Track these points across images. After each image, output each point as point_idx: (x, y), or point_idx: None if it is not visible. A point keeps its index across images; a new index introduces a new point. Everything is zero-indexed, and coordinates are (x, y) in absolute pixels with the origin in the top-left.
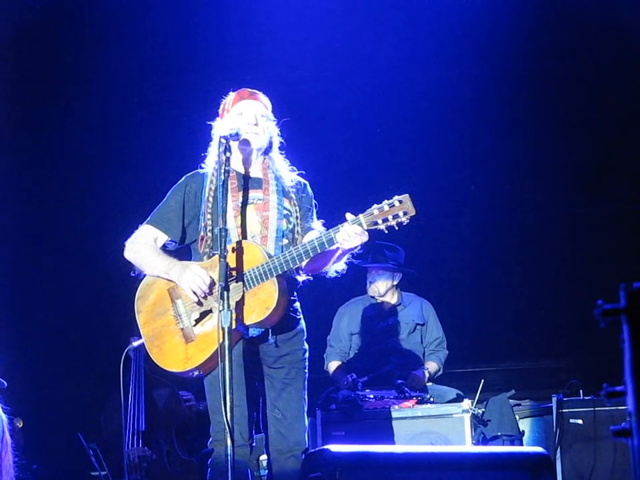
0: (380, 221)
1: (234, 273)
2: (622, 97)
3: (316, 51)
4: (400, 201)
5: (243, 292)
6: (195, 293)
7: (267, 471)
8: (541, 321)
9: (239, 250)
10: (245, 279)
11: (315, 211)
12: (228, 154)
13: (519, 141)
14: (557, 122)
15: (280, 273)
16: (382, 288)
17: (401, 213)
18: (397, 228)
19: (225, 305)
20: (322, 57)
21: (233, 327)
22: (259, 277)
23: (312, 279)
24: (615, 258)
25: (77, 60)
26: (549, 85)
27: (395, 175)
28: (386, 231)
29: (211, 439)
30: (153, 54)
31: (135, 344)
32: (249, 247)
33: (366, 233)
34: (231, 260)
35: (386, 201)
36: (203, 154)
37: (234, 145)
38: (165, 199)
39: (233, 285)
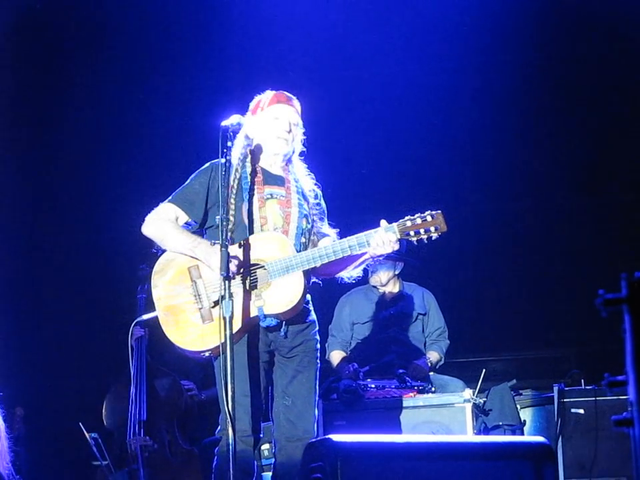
0: (412, 233)
1: (259, 261)
2: (621, 92)
3: (331, 55)
4: (432, 216)
5: (267, 281)
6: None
7: (269, 460)
8: (543, 311)
9: (266, 240)
10: (271, 268)
11: (326, 219)
12: (229, 143)
13: (520, 132)
14: (557, 114)
15: (307, 268)
16: (384, 277)
17: (432, 228)
18: (426, 242)
19: (227, 295)
20: (335, 61)
21: (254, 314)
22: (284, 269)
23: (321, 284)
24: (617, 248)
25: (77, 55)
26: (550, 80)
27: (397, 168)
28: (416, 243)
29: (219, 428)
30: (155, 48)
31: (146, 317)
32: (277, 238)
33: (398, 242)
34: (257, 248)
35: (419, 215)
36: (205, 151)
37: (263, 145)
38: (188, 181)
39: (259, 272)
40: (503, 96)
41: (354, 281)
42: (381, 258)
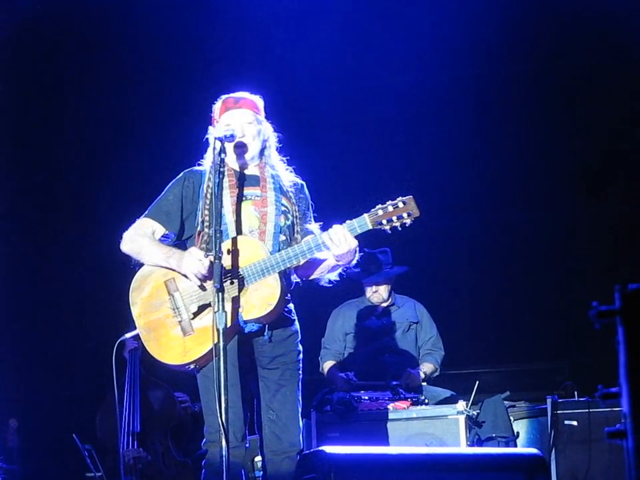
0: (385, 222)
1: (234, 267)
2: (622, 98)
3: (316, 51)
4: (404, 202)
5: (244, 287)
6: (196, 276)
7: (261, 472)
8: (536, 323)
9: (239, 245)
10: (246, 273)
11: (312, 212)
12: (223, 155)
13: (515, 141)
14: (555, 123)
15: (282, 269)
16: (385, 293)
17: (405, 214)
18: (400, 229)
19: (220, 307)
20: (322, 58)
21: (232, 322)
22: (260, 273)
23: (301, 283)
24: (610, 260)
25: (74, 56)
26: (550, 87)
27: (391, 175)
28: (389, 232)
29: (204, 440)
30: (151, 51)
31: (128, 335)
32: (250, 243)
33: (354, 239)
34: (231, 255)
35: (390, 202)
36: (200, 159)
37: (230, 146)
38: (162, 193)
39: (234, 280)
40: (500, 104)
41: (330, 285)
42: (350, 265)
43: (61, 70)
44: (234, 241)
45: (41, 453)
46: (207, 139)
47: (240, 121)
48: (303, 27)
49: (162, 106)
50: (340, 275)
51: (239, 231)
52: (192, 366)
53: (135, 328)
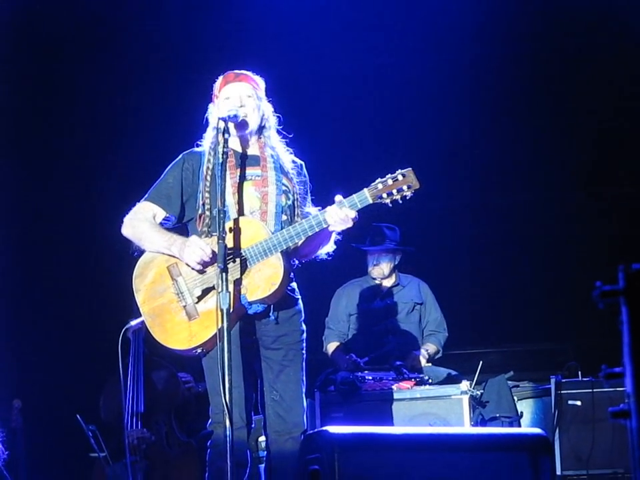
0: (385, 195)
1: (236, 249)
2: (622, 86)
3: (312, 36)
4: (403, 175)
5: (247, 268)
6: (198, 264)
7: (265, 452)
8: (540, 302)
9: (240, 226)
10: (249, 254)
11: (309, 194)
12: (226, 135)
13: (518, 126)
14: (557, 106)
15: (284, 248)
16: (386, 269)
17: (405, 187)
18: (401, 202)
19: (224, 287)
20: (318, 42)
21: (236, 304)
22: (262, 253)
23: (300, 265)
24: (614, 240)
25: (74, 50)
26: (549, 75)
27: (392, 157)
28: (390, 205)
29: (210, 421)
30: (150, 40)
31: (133, 323)
32: (251, 223)
33: (355, 214)
34: (233, 236)
35: (389, 175)
36: (198, 141)
37: (232, 126)
38: (162, 176)
39: (236, 261)
40: (501, 91)
41: (329, 257)
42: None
43: (63, 62)
44: (235, 222)
45: (45, 434)
46: (207, 118)
47: (239, 93)
48: (302, 10)
49: (160, 92)
50: (341, 242)
51: (240, 212)
52: (199, 350)
53: (140, 314)
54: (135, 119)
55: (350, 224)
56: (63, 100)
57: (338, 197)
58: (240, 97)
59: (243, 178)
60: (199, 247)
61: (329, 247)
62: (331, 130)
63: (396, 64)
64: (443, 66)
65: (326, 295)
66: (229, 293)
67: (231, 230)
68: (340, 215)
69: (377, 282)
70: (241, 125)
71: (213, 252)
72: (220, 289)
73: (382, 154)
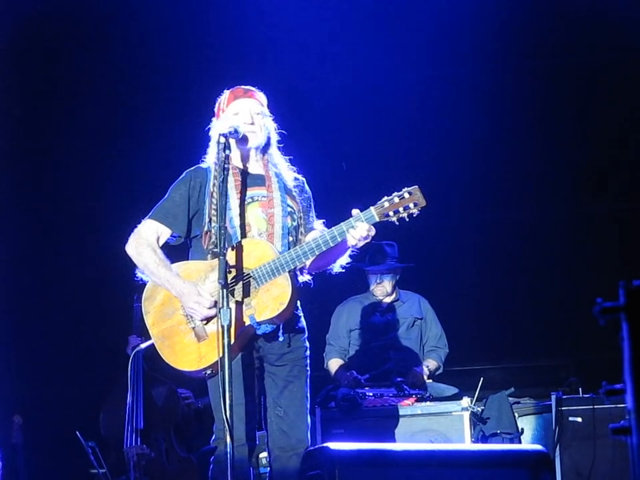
0: (391, 213)
1: (244, 269)
2: (624, 96)
3: (317, 48)
4: (410, 193)
5: (256, 288)
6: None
7: (266, 468)
8: (541, 319)
9: (248, 247)
10: (257, 275)
11: (313, 209)
12: (227, 151)
13: (521, 139)
14: (557, 121)
15: (291, 268)
16: (389, 287)
17: (411, 205)
18: (407, 219)
19: (224, 303)
20: (323, 55)
21: (247, 323)
22: (270, 273)
23: (311, 280)
24: (615, 256)
25: (76, 57)
26: (553, 84)
27: (395, 172)
28: (397, 223)
29: (214, 437)
30: (153, 52)
31: (144, 345)
32: (258, 244)
33: (373, 228)
34: (241, 257)
35: (395, 193)
36: (203, 156)
37: (233, 142)
38: (167, 194)
39: (246, 281)
40: (504, 103)
41: (343, 270)
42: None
43: (65, 68)
44: (242, 243)
45: (45, 450)
46: (209, 132)
47: (249, 109)
48: (305, 21)
49: (163, 105)
50: (346, 264)
51: (248, 233)
52: (208, 371)
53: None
54: (138, 129)
55: (368, 239)
56: (64, 107)
57: (355, 211)
58: (250, 114)
59: (249, 198)
60: (197, 302)
61: (344, 260)
62: (336, 149)
63: (400, 78)
64: (446, 82)
65: (326, 312)
66: (230, 309)
67: (233, 249)
68: (362, 233)
69: (378, 298)
70: (242, 141)
71: (213, 302)
72: (220, 305)
73: (383, 170)
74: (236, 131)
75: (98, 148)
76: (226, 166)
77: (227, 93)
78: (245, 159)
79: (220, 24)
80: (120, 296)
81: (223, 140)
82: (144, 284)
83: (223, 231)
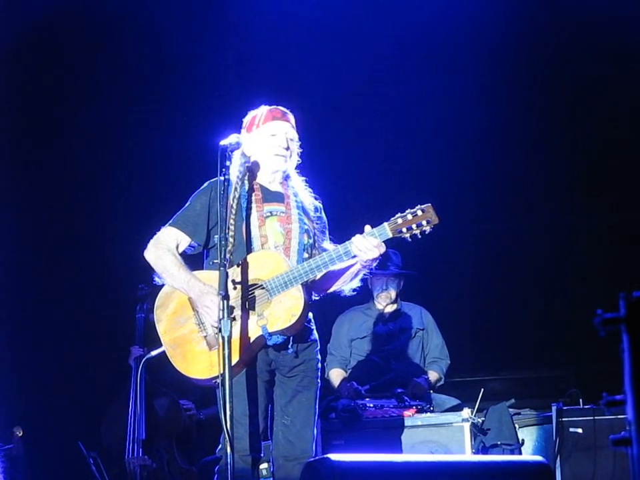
0: (404, 230)
1: (258, 280)
2: (620, 107)
3: (319, 59)
4: (423, 210)
5: (268, 299)
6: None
7: (267, 479)
8: (541, 330)
9: (262, 258)
10: (270, 286)
11: (327, 235)
12: (228, 163)
13: (520, 151)
14: (554, 133)
15: (304, 280)
16: (393, 294)
17: (424, 222)
18: (420, 237)
19: (225, 314)
20: (335, 65)
21: (259, 334)
22: (283, 285)
23: (319, 298)
24: (615, 267)
25: (79, 64)
26: (550, 96)
27: (398, 184)
28: (410, 239)
29: (219, 446)
30: (157, 61)
31: (154, 353)
32: (272, 256)
33: (383, 245)
34: (255, 268)
35: (409, 210)
36: (223, 169)
37: (261, 160)
38: (188, 202)
39: (258, 292)
40: (501, 120)
41: (354, 292)
42: (372, 265)
43: (67, 73)
44: (257, 254)
45: (46, 461)
46: (234, 148)
47: (285, 133)
48: (312, 33)
49: (165, 111)
50: (357, 287)
51: (265, 245)
52: (219, 380)
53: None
54: (145, 143)
55: (376, 253)
56: (70, 116)
57: (367, 227)
58: (286, 139)
59: (268, 212)
60: (211, 301)
61: (355, 283)
62: (349, 166)
63: (407, 92)
64: (451, 93)
65: (328, 322)
66: (230, 320)
67: (238, 265)
68: (365, 243)
69: (379, 308)
70: (268, 162)
71: (239, 283)
72: (221, 316)
73: (385, 184)
74: (237, 143)
75: (100, 153)
76: (227, 177)
77: (264, 110)
78: (268, 175)
79: (224, 34)
80: (122, 306)
81: (228, 148)
82: (146, 294)
83: (224, 242)
